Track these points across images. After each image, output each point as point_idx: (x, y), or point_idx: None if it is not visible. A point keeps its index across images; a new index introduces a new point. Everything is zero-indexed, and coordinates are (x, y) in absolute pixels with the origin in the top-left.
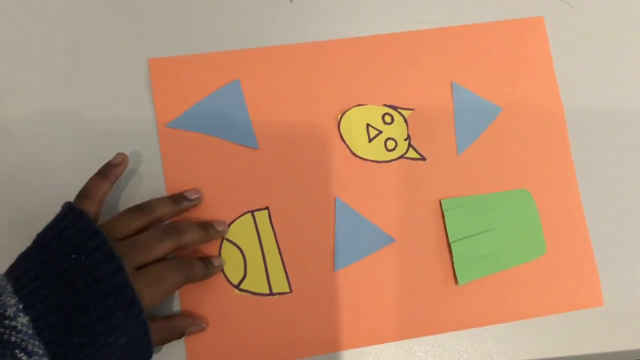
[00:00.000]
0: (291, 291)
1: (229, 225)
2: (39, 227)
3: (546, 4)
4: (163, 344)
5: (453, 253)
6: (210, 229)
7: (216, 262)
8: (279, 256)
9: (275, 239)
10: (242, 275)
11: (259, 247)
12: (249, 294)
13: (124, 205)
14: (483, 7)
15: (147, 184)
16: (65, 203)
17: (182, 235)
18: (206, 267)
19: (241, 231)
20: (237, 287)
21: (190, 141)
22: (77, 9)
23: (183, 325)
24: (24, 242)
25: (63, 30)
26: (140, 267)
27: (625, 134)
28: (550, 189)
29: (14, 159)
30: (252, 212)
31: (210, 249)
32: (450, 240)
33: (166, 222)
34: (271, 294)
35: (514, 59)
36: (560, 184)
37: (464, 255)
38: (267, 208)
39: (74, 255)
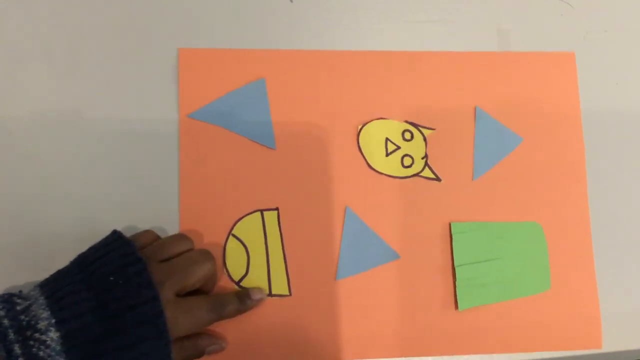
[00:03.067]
0: (290, 294)
1: (238, 221)
2: (39, 227)
3: (546, 3)
4: None
5: (456, 277)
6: (247, 300)
7: (256, 295)
8: (282, 258)
9: (281, 240)
10: (244, 272)
11: (264, 246)
12: None
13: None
14: (483, 6)
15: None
16: (114, 230)
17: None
18: (241, 302)
19: (248, 228)
20: (238, 283)
21: (209, 134)
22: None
23: (204, 345)
24: (24, 242)
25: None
26: (181, 291)
27: (625, 134)
28: (562, 226)
29: (14, 158)
30: (261, 211)
31: (214, 241)
32: (455, 264)
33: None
34: (270, 294)
35: (540, 91)
36: (573, 222)
37: (467, 281)
38: (277, 209)
39: (112, 278)
